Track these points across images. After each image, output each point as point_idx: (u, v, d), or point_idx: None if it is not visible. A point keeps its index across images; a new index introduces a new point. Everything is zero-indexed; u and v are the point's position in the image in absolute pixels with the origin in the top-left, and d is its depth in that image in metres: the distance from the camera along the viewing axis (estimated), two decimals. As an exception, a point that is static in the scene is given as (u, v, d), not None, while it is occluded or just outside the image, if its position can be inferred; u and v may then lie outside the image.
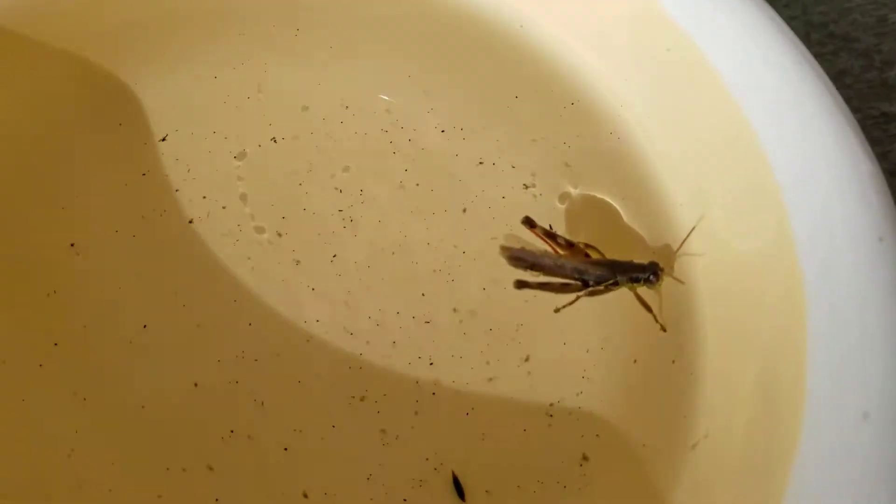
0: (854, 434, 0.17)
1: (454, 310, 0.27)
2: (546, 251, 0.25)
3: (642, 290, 0.24)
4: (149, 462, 0.24)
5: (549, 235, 0.24)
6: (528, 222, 0.24)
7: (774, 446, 0.18)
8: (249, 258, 0.27)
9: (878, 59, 0.40)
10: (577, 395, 0.25)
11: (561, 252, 0.24)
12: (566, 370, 0.26)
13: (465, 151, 0.29)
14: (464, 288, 0.27)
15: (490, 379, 0.26)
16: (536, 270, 0.24)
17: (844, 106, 0.22)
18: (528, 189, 0.28)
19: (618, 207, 0.26)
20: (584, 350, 0.26)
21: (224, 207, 0.27)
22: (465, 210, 0.28)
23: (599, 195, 0.27)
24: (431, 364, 0.26)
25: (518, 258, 0.24)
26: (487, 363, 0.26)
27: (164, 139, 0.27)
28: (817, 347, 0.18)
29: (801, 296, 0.19)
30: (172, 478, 0.24)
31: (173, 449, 0.24)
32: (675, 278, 0.23)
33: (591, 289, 0.24)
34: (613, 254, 0.25)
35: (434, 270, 0.27)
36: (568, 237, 0.25)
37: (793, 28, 0.23)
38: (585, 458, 0.24)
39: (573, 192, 0.28)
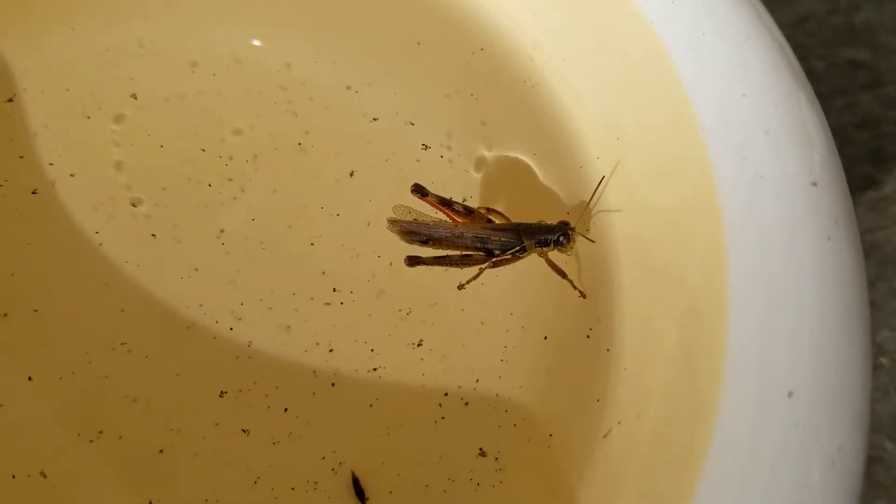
0: (777, 416, 0.14)
1: (359, 289, 0.24)
2: (442, 220, 0.21)
3: (554, 255, 0.20)
4: (11, 460, 0.21)
5: (444, 203, 0.21)
6: (419, 190, 0.21)
7: (688, 431, 0.15)
8: (123, 235, 0.24)
9: (844, 2, 0.37)
10: (498, 378, 0.22)
11: (459, 220, 0.21)
12: (483, 352, 0.23)
13: (374, 110, 0.26)
14: (370, 264, 0.24)
15: (399, 365, 0.23)
16: (433, 245, 0.21)
17: (780, 37, 0.19)
18: (443, 154, 0.25)
19: (534, 167, 0.23)
20: (503, 329, 0.23)
21: (93, 178, 0.24)
22: (373, 176, 0.25)
23: (514, 154, 0.24)
24: (331, 351, 0.23)
25: (410, 232, 0.21)
26: (396, 348, 0.23)
27: (10, 100, 0.24)
28: (739, 308, 0.15)
29: (723, 250, 0.16)
30: (27, 485, 0.21)
31: (32, 452, 0.21)
32: (585, 237, 0.20)
33: (496, 258, 0.20)
34: (527, 217, 0.22)
35: (337, 245, 0.24)
36: (466, 203, 0.22)
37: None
38: (500, 452, 0.21)
39: (488, 155, 0.24)
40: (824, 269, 0.16)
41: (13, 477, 0.20)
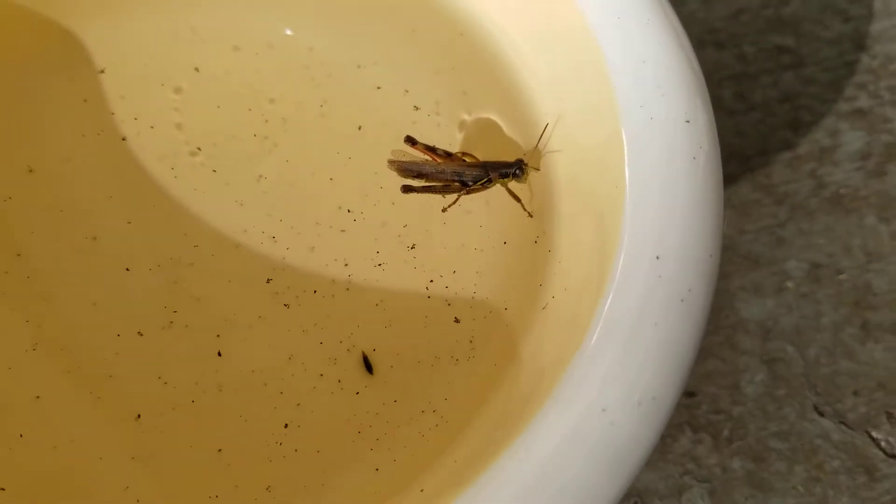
0: (648, 272, 0.21)
1: (366, 220, 0.31)
2: (428, 160, 0.29)
3: (513, 185, 0.28)
4: (104, 336, 0.28)
5: (429, 149, 0.28)
6: (410, 140, 0.29)
7: (595, 291, 0.22)
8: (185, 178, 0.31)
9: (775, -2, 0.44)
10: (472, 285, 0.29)
11: (440, 161, 0.28)
12: (460, 266, 0.30)
13: (379, 82, 0.33)
14: (376, 201, 0.31)
15: (398, 276, 0.30)
16: (422, 178, 0.28)
17: (675, 19, 0.26)
18: (431, 116, 0.32)
19: (500, 123, 0.30)
20: (475, 248, 0.30)
21: (162, 134, 0.31)
22: (378, 132, 0.32)
23: (487, 115, 0.31)
24: (346, 265, 0.30)
25: (405, 168, 0.28)
26: (396, 264, 0.30)
27: (102, 72, 0.31)
28: (632, 207, 0.23)
29: (623, 170, 0.23)
30: (127, 341, 0.28)
31: (126, 323, 0.28)
32: (534, 168, 0.27)
33: (469, 188, 0.28)
34: (494, 157, 0.29)
35: (349, 186, 0.31)
36: (445, 149, 0.29)
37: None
38: (474, 335, 0.28)
39: (468, 118, 0.31)
40: (690, 177, 0.23)
41: (118, 336, 0.27)
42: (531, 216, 0.28)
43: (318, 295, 0.30)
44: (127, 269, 0.29)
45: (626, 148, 0.24)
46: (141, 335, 0.28)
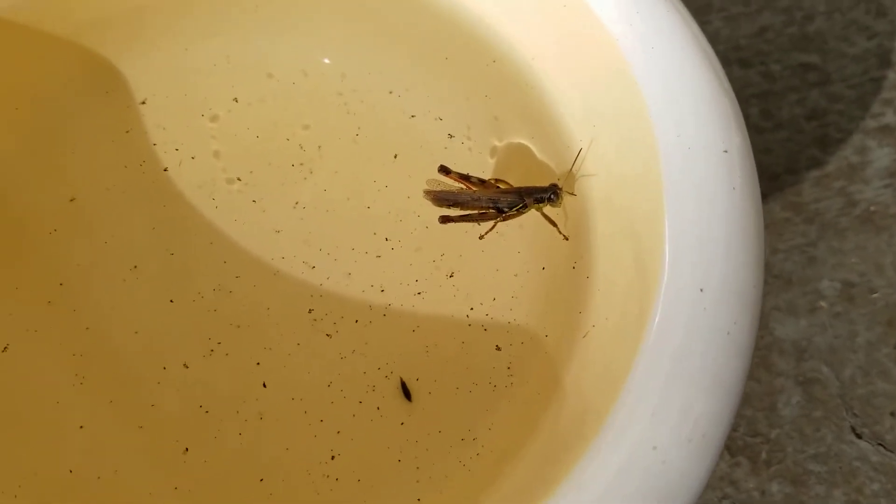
0: (692, 304, 0.21)
1: (402, 245, 0.31)
2: (463, 189, 0.29)
3: (548, 210, 0.28)
4: (147, 369, 0.29)
5: (463, 177, 0.29)
6: (444, 170, 0.29)
7: (636, 320, 0.22)
8: (223, 206, 0.31)
9: (798, 15, 0.44)
10: (509, 311, 0.30)
11: (475, 188, 0.29)
12: (498, 293, 0.30)
13: (412, 109, 0.33)
14: (410, 227, 0.31)
15: (435, 302, 0.30)
16: (458, 206, 0.28)
17: (708, 48, 0.26)
18: (463, 142, 0.32)
19: (532, 148, 0.30)
20: (512, 274, 0.30)
21: (200, 163, 0.32)
22: (411, 160, 0.32)
23: (518, 140, 0.31)
24: (382, 291, 0.30)
25: (441, 198, 0.29)
26: (432, 289, 0.30)
27: (143, 102, 0.32)
28: (672, 235, 0.23)
29: (661, 198, 0.23)
30: (174, 373, 0.28)
31: (173, 354, 0.29)
32: (569, 193, 0.27)
33: (505, 214, 0.28)
34: (528, 183, 0.29)
35: (384, 212, 0.32)
36: (479, 176, 0.29)
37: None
38: (512, 362, 0.28)
39: (499, 144, 0.32)
40: (730, 208, 0.23)
41: (164, 368, 0.28)
42: (567, 239, 0.28)
43: (356, 321, 0.30)
44: (171, 301, 0.29)
45: (663, 177, 0.24)
46: (186, 367, 0.28)
